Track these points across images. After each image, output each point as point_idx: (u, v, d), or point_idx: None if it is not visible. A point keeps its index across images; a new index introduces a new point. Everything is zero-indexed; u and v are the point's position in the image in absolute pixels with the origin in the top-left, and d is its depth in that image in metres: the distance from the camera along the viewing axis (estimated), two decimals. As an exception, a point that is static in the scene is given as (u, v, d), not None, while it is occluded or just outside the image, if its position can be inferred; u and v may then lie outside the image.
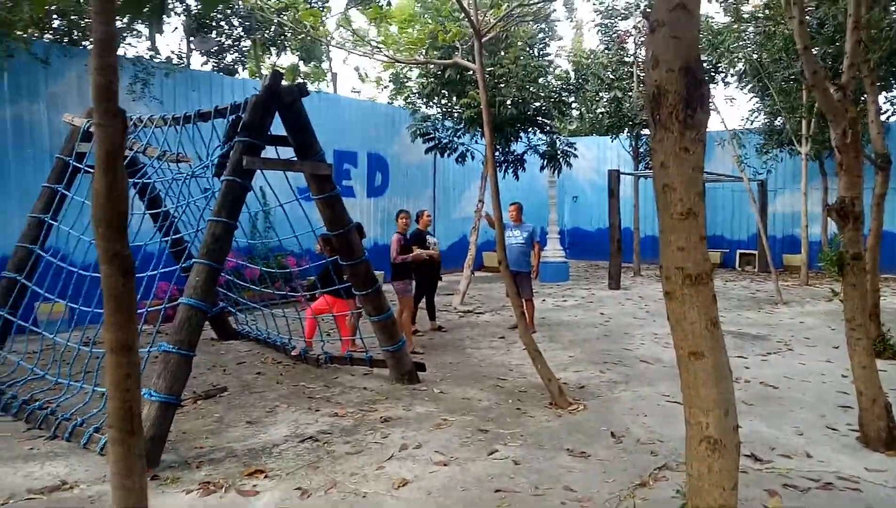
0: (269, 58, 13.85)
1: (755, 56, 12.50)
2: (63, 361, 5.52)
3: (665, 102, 1.77)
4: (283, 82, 5.21)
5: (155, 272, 5.17)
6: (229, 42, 13.17)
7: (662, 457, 4.33)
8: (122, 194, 2.43)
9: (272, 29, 12.50)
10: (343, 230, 5.87)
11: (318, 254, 7.32)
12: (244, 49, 13.48)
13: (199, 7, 11.19)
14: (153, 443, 4.05)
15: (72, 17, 8.56)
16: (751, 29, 12.41)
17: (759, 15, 11.65)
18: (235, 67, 13.62)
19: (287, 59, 15.72)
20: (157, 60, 10.23)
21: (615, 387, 6.09)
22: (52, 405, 4.93)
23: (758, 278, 15.44)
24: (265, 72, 15.35)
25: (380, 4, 11.40)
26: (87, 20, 8.86)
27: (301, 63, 15.89)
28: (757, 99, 14.25)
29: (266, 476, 4.03)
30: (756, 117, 14.82)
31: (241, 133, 5.00)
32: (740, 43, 12.58)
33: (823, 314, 10.10)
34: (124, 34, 9.46)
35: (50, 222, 6.15)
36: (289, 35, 12.61)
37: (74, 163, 6.16)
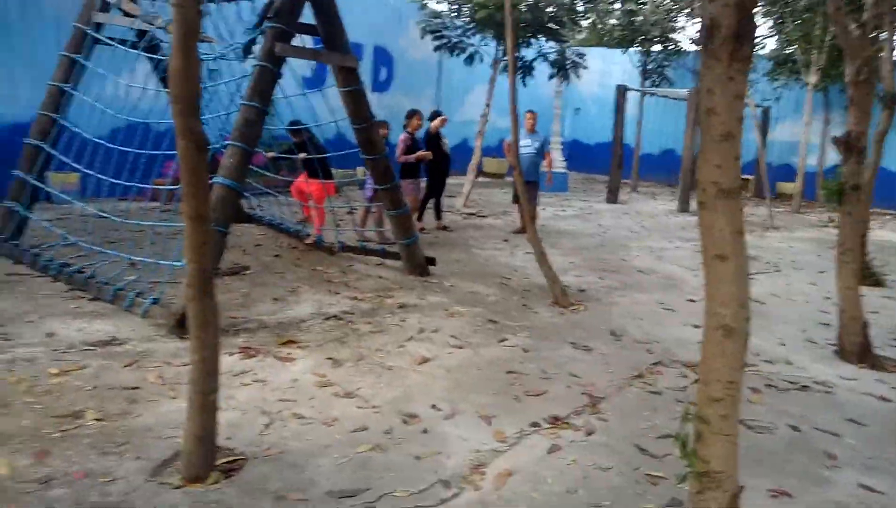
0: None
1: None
2: (87, 231, 5.72)
3: (718, 33, 1.94)
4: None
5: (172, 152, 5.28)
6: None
7: (657, 355, 4.75)
8: (197, 73, 2.59)
9: None
10: (365, 125, 5.96)
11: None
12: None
13: None
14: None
15: None
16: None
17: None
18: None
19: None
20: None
21: (613, 292, 6.48)
22: (90, 271, 5.19)
23: (751, 202, 15.78)
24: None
25: None
26: None
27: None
28: (771, 25, 14.03)
29: (298, 346, 4.38)
30: (766, 43, 14.65)
31: (273, 19, 4.99)
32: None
33: (812, 241, 10.52)
34: None
35: (71, 91, 6.15)
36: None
37: (94, 34, 6.10)
